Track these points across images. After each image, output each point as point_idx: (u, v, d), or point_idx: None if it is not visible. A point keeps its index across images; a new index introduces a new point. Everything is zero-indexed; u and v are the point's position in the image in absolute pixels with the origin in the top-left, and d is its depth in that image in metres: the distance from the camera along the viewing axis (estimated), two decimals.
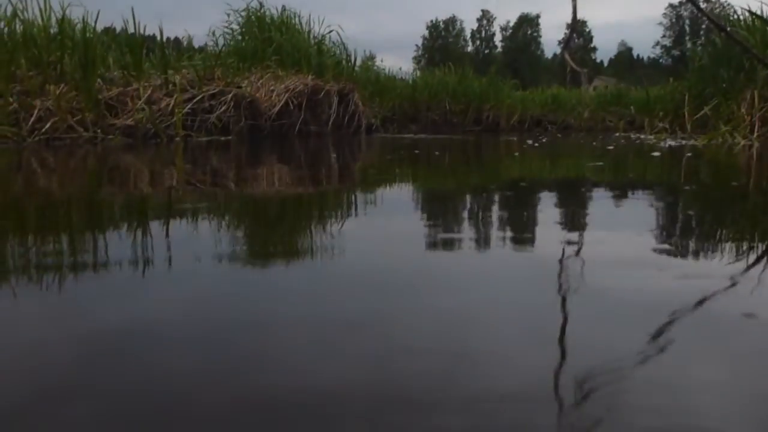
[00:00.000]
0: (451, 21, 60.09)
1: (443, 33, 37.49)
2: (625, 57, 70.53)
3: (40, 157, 4.29)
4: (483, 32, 40.06)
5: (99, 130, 5.65)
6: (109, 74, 6.34)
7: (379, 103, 9.92)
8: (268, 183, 3.02)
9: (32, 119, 5.36)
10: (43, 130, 5.33)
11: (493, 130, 11.88)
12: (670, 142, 6.66)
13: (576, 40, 20.96)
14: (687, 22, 59.83)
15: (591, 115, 13.02)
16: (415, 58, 34.96)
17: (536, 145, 6.66)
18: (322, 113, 7.70)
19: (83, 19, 6.21)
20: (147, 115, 5.87)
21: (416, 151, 5.37)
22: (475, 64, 15.49)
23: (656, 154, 5.14)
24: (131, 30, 7.02)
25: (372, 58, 12.67)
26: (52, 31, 6.14)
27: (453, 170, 4.02)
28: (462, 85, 12.21)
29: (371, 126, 8.58)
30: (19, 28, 6.01)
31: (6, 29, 5.92)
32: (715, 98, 7.41)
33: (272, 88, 7.28)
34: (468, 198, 2.62)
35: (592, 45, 65.92)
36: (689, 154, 5.05)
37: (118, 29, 7.33)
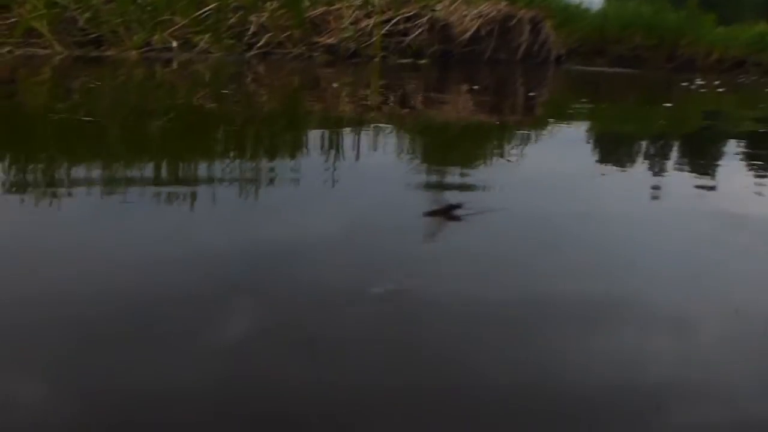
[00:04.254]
0: None
1: None
2: None
3: (262, 69, 4.66)
4: None
5: (305, 47, 5.97)
6: None
7: (567, 34, 9.46)
8: (489, 108, 3.08)
9: (249, 33, 5.77)
10: (259, 44, 5.72)
11: (688, 69, 10.94)
12: None
13: None
14: None
15: None
16: None
17: None
18: (512, 41, 7.53)
19: None
20: (351, 34, 6.09)
21: (622, 88, 5.16)
22: None
23: None
24: None
25: None
26: None
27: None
28: (657, 17, 11.28)
29: (560, 57, 8.26)
30: None
31: None
32: None
33: (465, 13, 7.21)
34: None
35: None
36: None
37: None
